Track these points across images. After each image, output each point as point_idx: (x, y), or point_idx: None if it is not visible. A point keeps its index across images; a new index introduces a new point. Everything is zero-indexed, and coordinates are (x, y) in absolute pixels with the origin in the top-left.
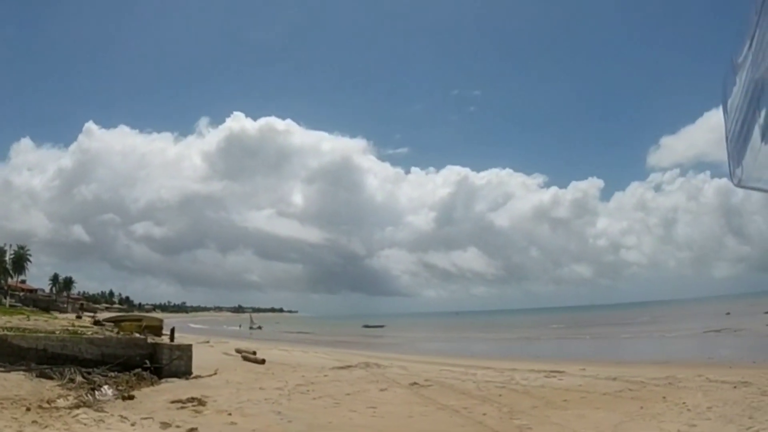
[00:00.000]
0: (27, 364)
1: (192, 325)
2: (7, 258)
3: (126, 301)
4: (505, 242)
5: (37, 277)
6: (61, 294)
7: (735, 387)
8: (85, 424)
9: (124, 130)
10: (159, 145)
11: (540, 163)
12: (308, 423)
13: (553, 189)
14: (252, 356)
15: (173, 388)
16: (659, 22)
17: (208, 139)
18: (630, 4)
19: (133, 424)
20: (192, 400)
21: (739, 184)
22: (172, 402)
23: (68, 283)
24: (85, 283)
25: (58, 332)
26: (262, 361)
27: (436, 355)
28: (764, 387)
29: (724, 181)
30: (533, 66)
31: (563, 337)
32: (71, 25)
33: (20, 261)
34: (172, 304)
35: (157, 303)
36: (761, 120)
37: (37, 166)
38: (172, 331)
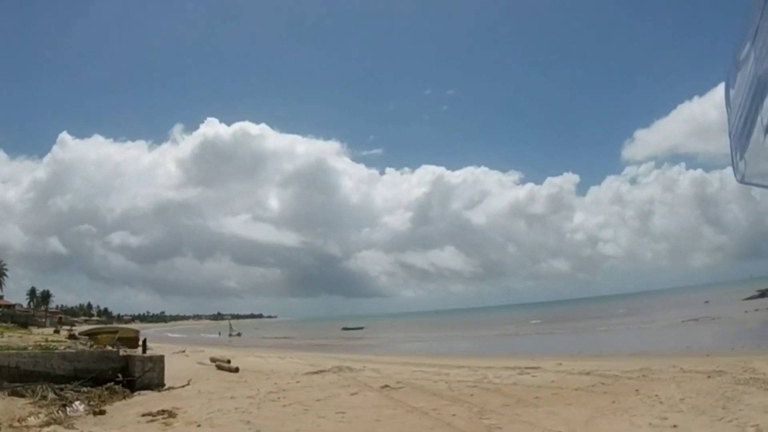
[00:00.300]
0: None
1: (169, 335)
2: None
3: (104, 313)
4: (482, 240)
5: (14, 291)
6: (39, 308)
7: (709, 377)
8: None
9: (98, 139)
10: (133, 154)
11: (515, 160)
12: (276, 431)
13: (529, 185)
14: (226, 365)
15: (145, 400)
16: (630, 18)
17: (183, 146)
18: (601, 1)
19: None
20: (163, 412)
21: (743, 180)
22: (143, 415)
23: (46, 296)
24: (63, 296)
25: (30, 348)
26: (236, 370)
27: (412, 355)
28: (738, 376)
29: (699, 172)
30: (506, 64)
31: (541, 332)
32: (42, 36)
33: None
34: (150, 314)
35: (136, 314)
36: (764, 116)
37: (11, 178)
38: (144, 342)
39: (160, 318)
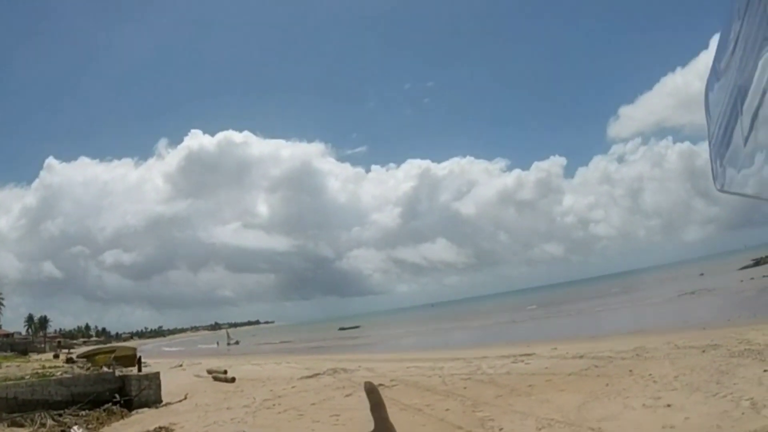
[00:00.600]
0: None
1: (167, 349)
2: None
3: (103, 333)
4: (473, 230)
5: (12, 319)
6: (37, 334)
7: (703, 351)
8: None
9: (84, 161)
10: (120, 172)
11: (500, 147)
12: None
13: (516, 172)
14: (222, 376)
15: (142, 419)
16: None
17: (168, 159)
18: None
19: None
20: (160, 429)
21: (722, 189)
22: None
23: (43, 322)
24: (61, 320)
25: (27, 377)
26: (232, 380)
27: (408, 351)
28: (733, 348)
29: (687, 144)
30: (484, 51)
31: (537, 317)
32: (23, 63)
33: None
34: (148, 329)
35: (134, 330)
36: (743, 125)
37: (0, 207)
38: (139, 360)
39: (158, 333)
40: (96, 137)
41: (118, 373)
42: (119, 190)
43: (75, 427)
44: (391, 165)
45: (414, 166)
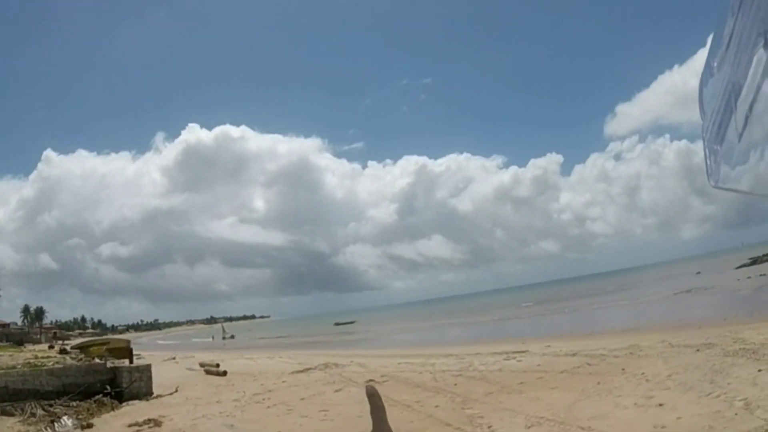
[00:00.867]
0: None
1: (161, 342)
2: None
3: (99, 325)
4: (470, 226)
5: (9, 310)
6: (33, 325)
7: (698, 350)
8: None
9: (82, 154)
10: (118, 165)
11: (497, 144)
12: None
13: (513, 169)
14: (214, 369)
15: (133, 410)
16: None
17: (166, 153)
18: None
19: None
20: (149, 421)
21: (717, 185)
22: (130, 426)
23: (39, 313)
24: (57, 311)
25: (19, 366)
26: (224, 373)
27: (400, 347)
28: (728, 347)
29: (684, 142)
30: (481, 48)
31: (532, 314)
32: (21, 56)
33: None
34: (144, 322)
35: (130, 323)
36: (737, 121)
37: None
38: (131, 352)
39: (154, 326)
40: (94, 130)
41: (109, 364)
42: (116, 184)
43: (65, 418)
44: (388, 161)
45: (411, 162)
